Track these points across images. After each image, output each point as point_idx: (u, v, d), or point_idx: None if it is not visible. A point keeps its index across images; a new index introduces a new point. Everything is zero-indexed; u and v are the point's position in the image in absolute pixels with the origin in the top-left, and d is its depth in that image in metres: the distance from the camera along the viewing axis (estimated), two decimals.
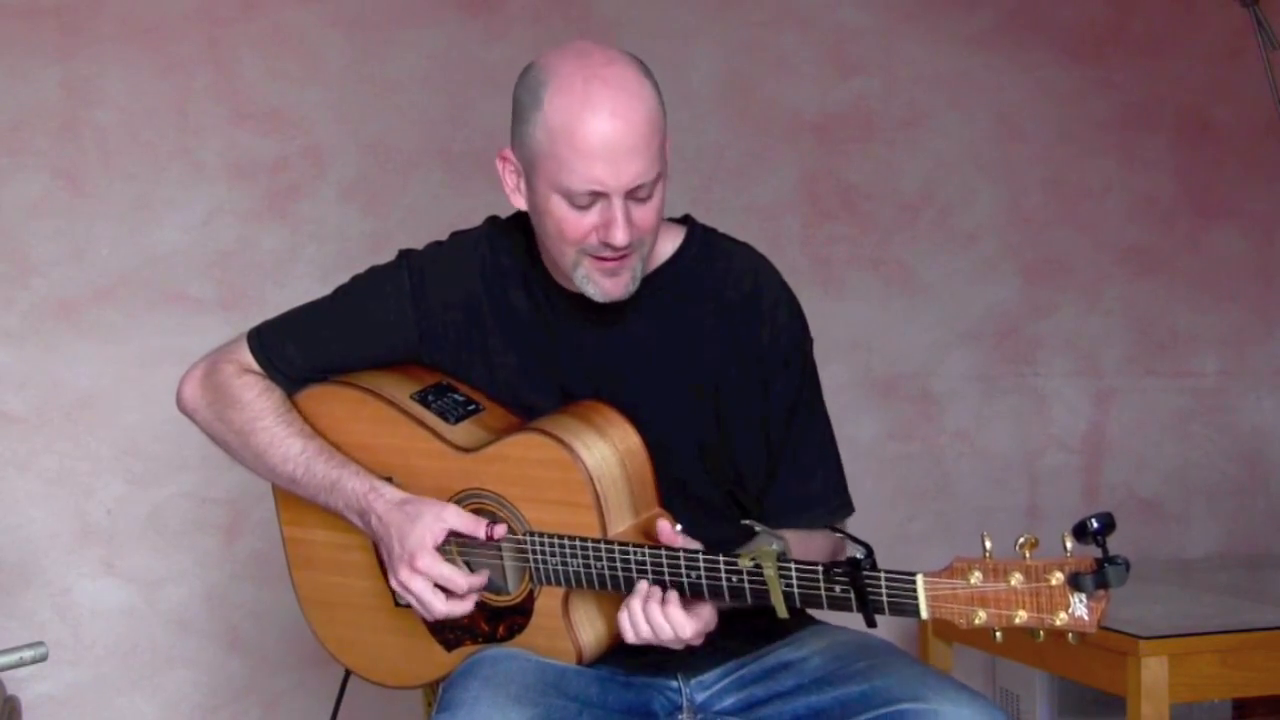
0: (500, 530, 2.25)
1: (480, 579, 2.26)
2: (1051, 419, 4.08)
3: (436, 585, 2.25)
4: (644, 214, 2.23)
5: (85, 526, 3.53)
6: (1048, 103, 4.06)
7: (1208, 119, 4.15)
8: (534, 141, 2.21)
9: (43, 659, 2.45)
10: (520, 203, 2.30)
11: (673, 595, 2.15)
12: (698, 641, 2.18)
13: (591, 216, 2.21)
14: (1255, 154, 4.14)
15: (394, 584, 2.29)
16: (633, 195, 2.20)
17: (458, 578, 2.25)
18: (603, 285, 2.26)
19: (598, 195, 2.19)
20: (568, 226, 2.22)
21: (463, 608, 2.26)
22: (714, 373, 2.33)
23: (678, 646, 2.17)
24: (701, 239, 2.39)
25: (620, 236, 2.20)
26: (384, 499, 2.29)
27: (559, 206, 2.21)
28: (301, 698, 3.58)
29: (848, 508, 2.39)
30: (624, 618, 2.17)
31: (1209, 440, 4.17)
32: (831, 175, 3.94)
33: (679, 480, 2.31)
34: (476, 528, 2.25)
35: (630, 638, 2.17)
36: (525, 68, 2.26)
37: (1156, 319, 4.14)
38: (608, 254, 2.23)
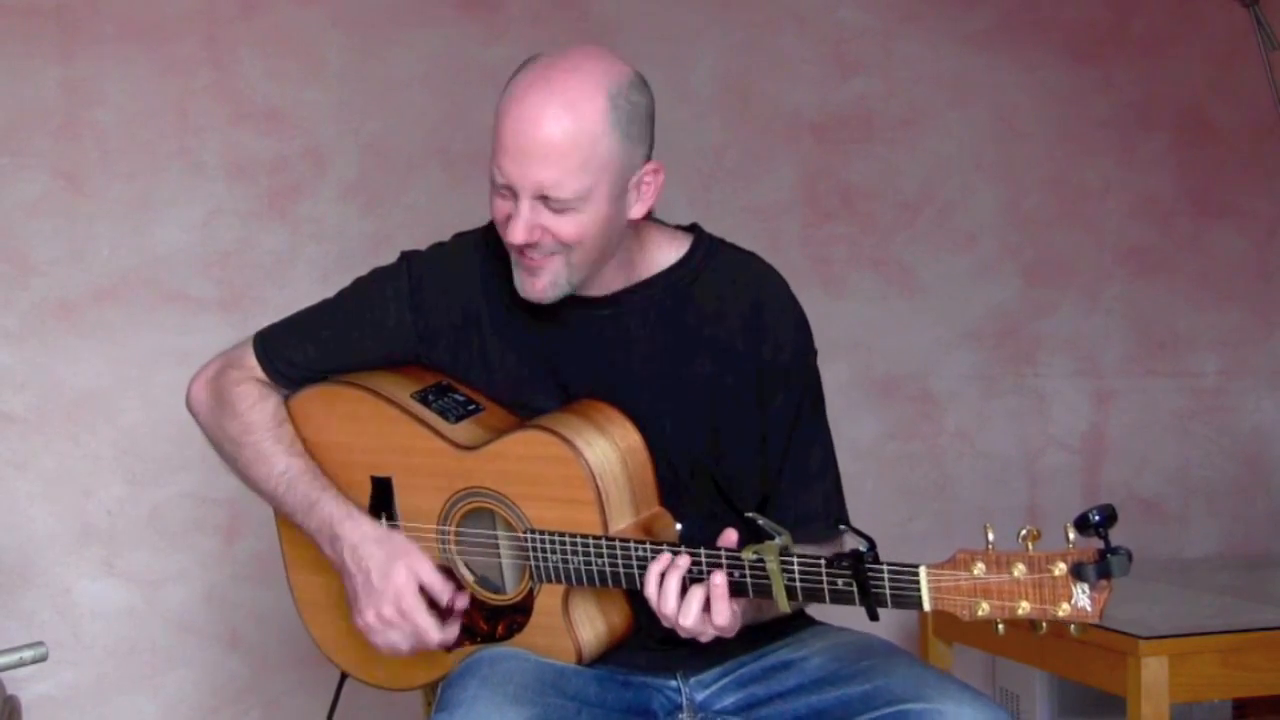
0: (462, 603, 2.27)
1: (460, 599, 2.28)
2: (1051, 419, 4.08)
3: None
4: (560, 224, 2.22)
5: (85, 526, 3.53)
6: (1048, 103, 4.06)
7: (1208, 119, 4.15)
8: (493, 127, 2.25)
9: (43, 659, 2.45)
10: None
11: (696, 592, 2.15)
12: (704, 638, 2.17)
13: (509, 208, 2.22)
14: (1255, 154, 4.13)
15: (370, 619, 2.28)
16: (544, 200, 2.21)
17: (431, 634, 2.27)
18: (523, 281, 2.27)
19: (510, 189, 2.21)
20: (495, 212, 2.25)
21: (449, 633, 2.29)
22: (711, 382, 2.32)
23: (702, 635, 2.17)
24: (707, 248, 2.38)
25: (513, 234, 2.21)
26: (361, 530, 2.30)
27: (492, 194, 2.25)
28: (301, 698, 3.58)
29: (844, 520, 2.38)
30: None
31: (1209, 440, 4.17)
32: (831, 175, 3.94)
33: (671, 485, 2.30)
34: (443, 593, 2.27)
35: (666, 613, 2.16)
36: None
37: (1156, 319, 4.14)
38: (527, 252, 2.24)
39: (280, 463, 2.37)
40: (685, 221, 2.43)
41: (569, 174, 2.18)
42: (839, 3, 3.94)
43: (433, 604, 2.28)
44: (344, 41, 3.67)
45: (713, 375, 2.32)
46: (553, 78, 2.19)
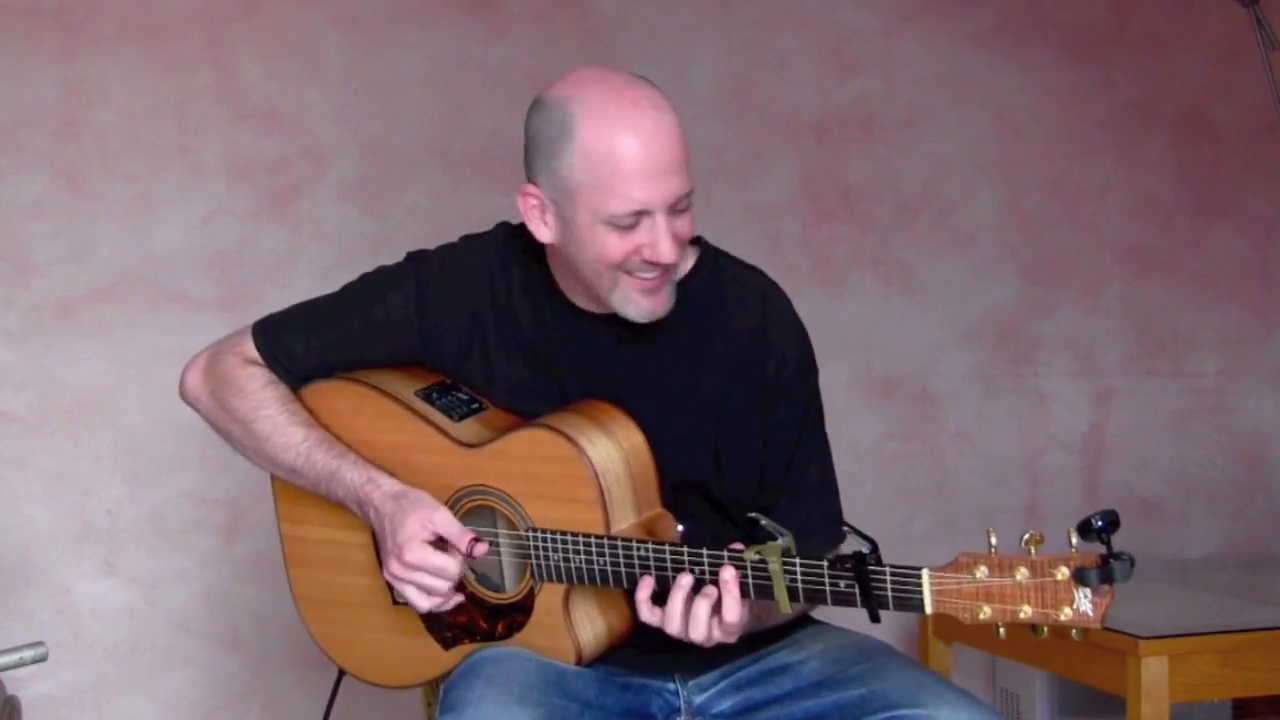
0: (481, 549, 2.25)
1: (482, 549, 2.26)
2: (1051, 419, 4.08)
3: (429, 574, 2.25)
4: (683, 225, 2.23)
5: (85, 526, 3.53)
6: (1048, 103, 4.06)
7: (1208, 119, 4.15)
8: (570, 172, 2.20)
9: (43, 659, 2.45)
10: (546, 235, 2.27)
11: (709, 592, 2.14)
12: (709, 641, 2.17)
13: (635, 237, 2.20)
14: (1255, 154, 4.14)
15: (386, 576, 2.29)
16: (672, 209, 2.21)
17: (450, 565, 2.24)
18: (643, 305, 2.25)
19: (641, 215, 2.19)
20: (611, 250, 2.21)
21: (446, 602, 2.27)
22: (715, 397, 2.32)
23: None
24: (714, 262, 2.38)
25: (668, 254, 2.20)
26: (381, 489, 2.30)
27: (602, 232, 2.21)
28: (302, 698, 3.58)
29: (842, 538, 2.38)
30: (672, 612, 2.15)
31: (1209, 440, 4.17)
32: (831, 175, 3.94)
33: (669, 498, 2.30)
34: (461, 538, 2.25)
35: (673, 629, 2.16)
36: (538, 101, 2.25)
37: (1156, 319, 4.14)
38: (650, 273, 2.23)
39: (298, 433, 2.36)
40: None
41: (689, 170, 2.21)
42: (839, 3, 3.94)
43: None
44: (344, 41, 3.67)
45: (718, 390, 2.32)
46: (630, 95, 2.19)
